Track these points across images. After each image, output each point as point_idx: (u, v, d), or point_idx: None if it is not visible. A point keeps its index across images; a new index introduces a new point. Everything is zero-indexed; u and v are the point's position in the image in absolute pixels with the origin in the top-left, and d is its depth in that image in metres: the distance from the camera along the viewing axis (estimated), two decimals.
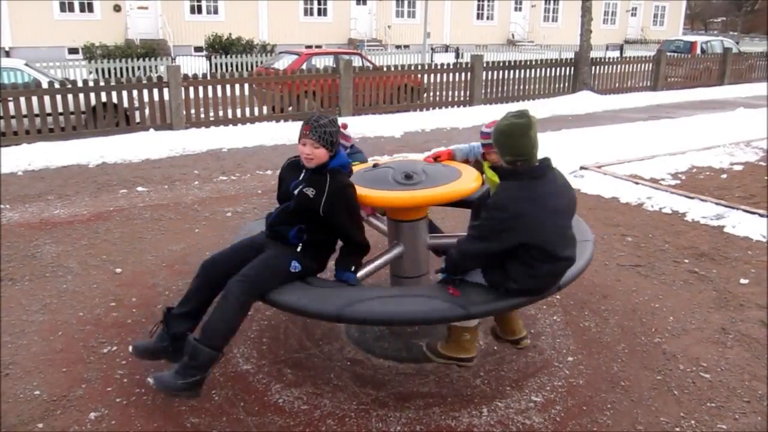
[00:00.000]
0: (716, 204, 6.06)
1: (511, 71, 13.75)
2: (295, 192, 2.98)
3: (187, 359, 2.76)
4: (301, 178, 3.02)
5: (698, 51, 19.69)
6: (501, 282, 2.78)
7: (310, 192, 2.94)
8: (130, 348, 3.05)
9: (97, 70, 16.34)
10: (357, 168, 3.87)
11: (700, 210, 5.89)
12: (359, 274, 3.11)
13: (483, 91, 13.36)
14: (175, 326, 2.99)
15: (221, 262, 3.05)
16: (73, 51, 21.09)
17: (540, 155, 2.72)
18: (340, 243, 3.16)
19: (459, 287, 2.82)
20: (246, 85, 10.87)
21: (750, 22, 51.16)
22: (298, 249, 3.00)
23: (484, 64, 13.26)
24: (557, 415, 2.89)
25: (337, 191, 2.95)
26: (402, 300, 2.84)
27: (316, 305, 2.80)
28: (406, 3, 28.29)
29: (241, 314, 2.83)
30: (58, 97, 9.09)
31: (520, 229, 2.62)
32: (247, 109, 10.86)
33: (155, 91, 9.87)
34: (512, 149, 2.65)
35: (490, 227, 2.66)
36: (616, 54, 24.44)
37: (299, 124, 3.17)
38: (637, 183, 6.89)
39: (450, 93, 13.13)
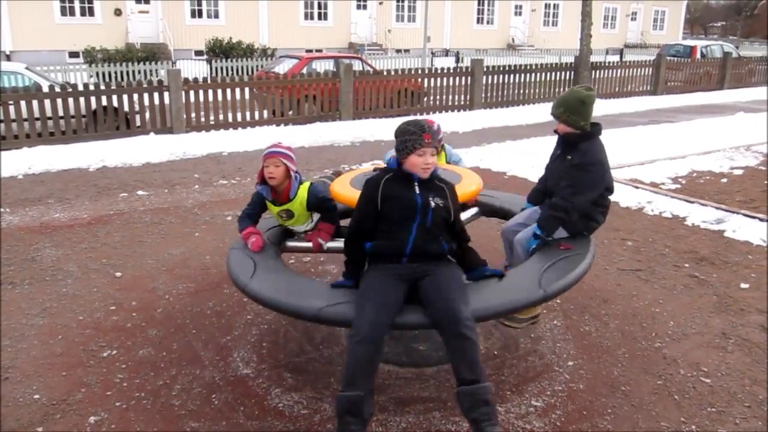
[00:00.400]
0: (716, 208, 6.06)
1: (512, 75, 13.79)
2: (431, 205, 2.81)
3: (490, 409, 2.49)
4: (418, 191, 2.82)
5: (698, 55, 19.74)
6: (584, 226, 3.36)
7: (440, 202, 2.84)
8: None
9: (97, 74, 16.40)
10: (357, 173, 3.88)
11: (700, 214, 5.89)
12: None
13: (483, 95, 13.40)
14: (369, 407, 2.54)
15: (383, 322, 2.61)
16: (73, 55, 21.15)
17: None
18: None
19: (566, 242, 3.27)
20: (246, 89, 10.89)
21: (749, 26, 51.32)
22: (453, 260, 2.93)
23: (485, 69, 13.31)
24: (557, 420, 2.88)
25: (455, 194, 2.95)
26: (559, 267, 3.03)
27: (521, 297, 2.79)
28: (406, 7, 28.37)
29: None
30: (59, 101, 9.11)
31: (607, 174, 3.35)
32: (248, 113, 10.88)
33: (156, 95, 9.89)
34: (586, 115, 3.33)
35: (590, 179, 3.28)
36: (616, 58, 24.49)
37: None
38: (637, 187, 6.89)
39: (450, 97, 13.16)
